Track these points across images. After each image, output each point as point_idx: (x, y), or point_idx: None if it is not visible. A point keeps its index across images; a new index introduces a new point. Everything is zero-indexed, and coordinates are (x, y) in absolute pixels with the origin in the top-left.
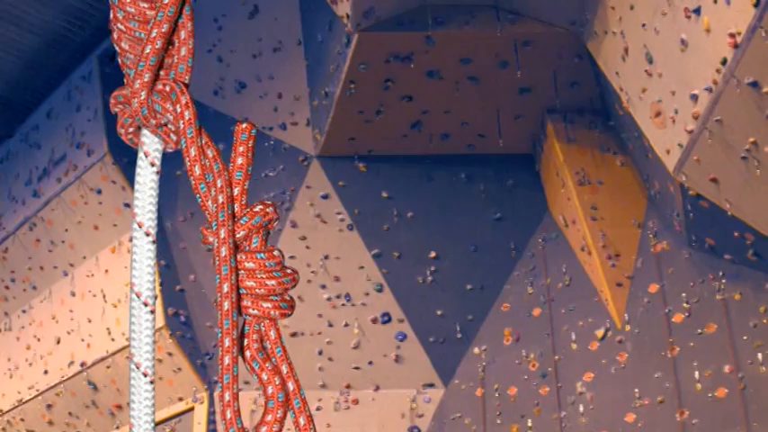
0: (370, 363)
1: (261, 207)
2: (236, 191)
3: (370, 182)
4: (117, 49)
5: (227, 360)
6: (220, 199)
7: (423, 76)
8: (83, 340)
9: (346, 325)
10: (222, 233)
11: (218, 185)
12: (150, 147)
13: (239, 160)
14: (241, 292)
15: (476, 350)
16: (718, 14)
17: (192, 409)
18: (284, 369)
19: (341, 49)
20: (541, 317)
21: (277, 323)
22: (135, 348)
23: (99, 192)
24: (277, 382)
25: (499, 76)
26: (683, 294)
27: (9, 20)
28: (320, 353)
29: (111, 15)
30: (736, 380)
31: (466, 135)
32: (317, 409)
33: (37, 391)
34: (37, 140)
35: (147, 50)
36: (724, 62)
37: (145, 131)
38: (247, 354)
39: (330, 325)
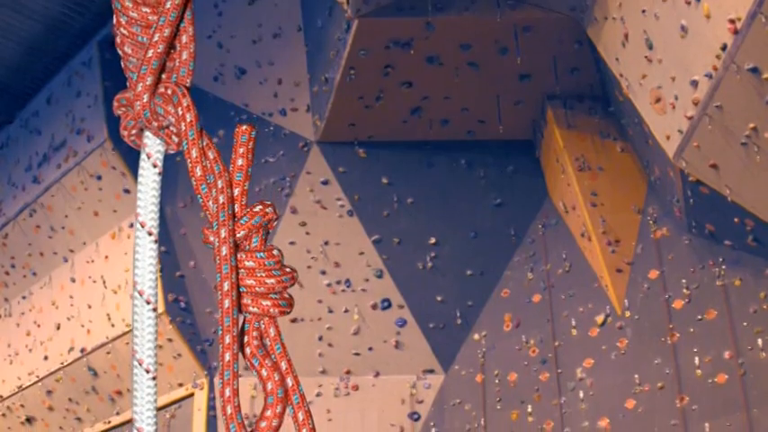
0: (370, 349)
1: (260, 207)
2: (236, 191)
3: (370, 168)
4: (120, 53)
5: (227, 357)
6: (221, 199)
7: (423, 62)
8: (83, 326)
9: (346, 311)
10: (223, 233)
11: (219, 186)
12: (152, 148)
13: (239, 162)
14: (241, 290)
15: (476, 336)
16: (718, 0)
17: (192, 394)
18: (283, 365)
19: (341, 35)
20: (541, 303)
21: (276, 321)
22: (137, 345)
23: (99, 178)
24: (276, 378)
25: (499, 62)
26: (683, 280)
27: (9, 6)
28: (320, 339)
29: (114, 20)
30: (736, 366)
31: (466, 121)
32: (317, 395)
33: (37, 377)
34: (37, 126)
35: (150, 54)
36: (724, 48)
37: (147, 133)
38: (247, 350)
39: (330, 311)
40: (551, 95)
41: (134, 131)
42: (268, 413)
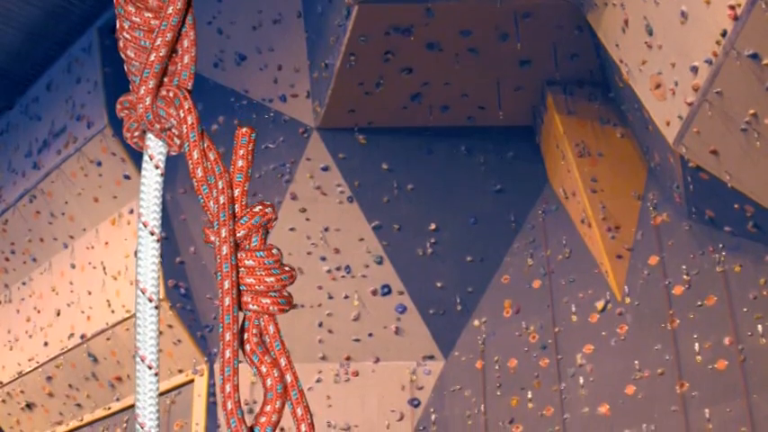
0: (370, 335)
1: (260, 207)
2: (236, 192)
3: (370, 154)
4: (123, 57)
5: (228, 353)
6: (221, 200)
7: (422, 49)
8: (83, 312)
9: (346, 297)
10: (223, 232)
11: (220, 187)
12: (155, 150)
13: (239, 163)
14: (241, 288)
15: (476, 322)
16: None
17: (192, 381)
18: (282, 362)
19: (341, 21)
20: (541, 289)
21: (276, 318)
22: (140, 342)
23: (99, 164)
24: (276, 375)
25: (499, 48)
26: (683, 266)
27: None
28: (320, 325)
29: (118, 25)
30: (736, 352)
31: (466, 107)
32: (317, 381)
33: (37, 363)
34: (37, 112)
35: (152, 58)
36: (724, 34)
37: (150, 135)
38: (247, 347)
39: (330, 297)
40: (551, 81)
41: (137, 134)
42: (267, 408)
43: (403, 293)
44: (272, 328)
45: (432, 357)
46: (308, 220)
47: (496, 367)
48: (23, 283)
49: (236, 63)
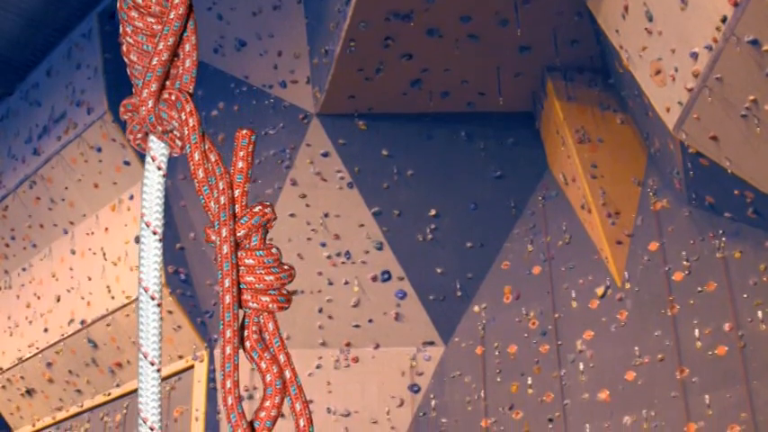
0: (370, 321)
1: (260, 208)
2: (236, 192)
3: (370, 140)
4: (126, 61)
5: (228, 350)
6: (222, 200)
7: (422, 35)
8: (83, 298)
9: (346, 283)
10: (224, 232)
11: (220, 187)
12: (157, 151)
13: (240, 164)
14: (242, 286)
15: (476, 308)
16: None
17: (191, 366)
18: (281, 358)
19: (341, 7)
20: (541, 275)
21: (275, 315)
22: (143, 339)
23: (99, 150)
24: (275, 371)
25: (499, 34)
26: (683, 252)
27: None
28: (320, 311)
29: (121, 30)
30: (736, 338)
31: (466, 93)
32: (318, 367)
33: (37, 349)
34: (37, 98)
35: (154, 62)
36: (724, 20)
37: (152, 137)
38: (247, 344)
39: (330, 283)
40: (551, 67)
41: (139, 136)
42: (267, 404)
43: (403, 279)
44: (271, 326)
45: (432, 343)
46: (307, 206)
47: (496, 353)
48: (23, 269)
49: (236, 49)
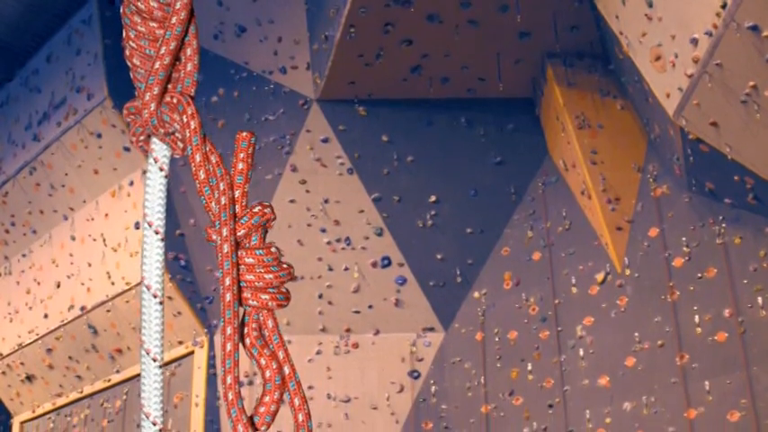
0: (370, 306)
1: (260, 208)
2: (237, 193)
3: (370, 126)
4: (129, 65)
5: (228, 346)
6: (223, 201)
7: (422, 20)
8: (83, 284)
9: (346, 269)
10: (224, 232)
11: (221, 188)
12: (159, 153)
13: (240, 165)
14: (242, 284)
15: (476, 294)
16: None
17: (192, 352)
18: (281, 355)
19: None
20: (541, 261)
21: (274, 313)
22: (146, 336)
23: (99, 136)
24: (274, 367)
25: (499, 20)
26: (683, 238)
27: None
28: (320, 296)
29: (124, 34)
30: (736, 324)
31: (466, 79)
32: (317, 353)
33: (37, 335)
34: (37, 84)
35: (157, 66)
36: (724, 6)
37: (154, 139)
38: (247, 341)
39: (330, 269)
40: (551, 53)
41: (142, 138)
42: (266, 399)
43: (403, 265)
44: (270, 323)
45: (432, 329)
46: (307, 191)
47: (496, 339)
48: (23, 255)
49: (235, 35)
